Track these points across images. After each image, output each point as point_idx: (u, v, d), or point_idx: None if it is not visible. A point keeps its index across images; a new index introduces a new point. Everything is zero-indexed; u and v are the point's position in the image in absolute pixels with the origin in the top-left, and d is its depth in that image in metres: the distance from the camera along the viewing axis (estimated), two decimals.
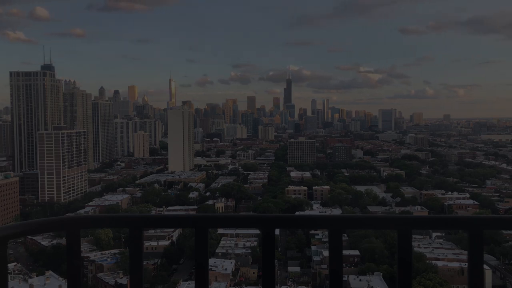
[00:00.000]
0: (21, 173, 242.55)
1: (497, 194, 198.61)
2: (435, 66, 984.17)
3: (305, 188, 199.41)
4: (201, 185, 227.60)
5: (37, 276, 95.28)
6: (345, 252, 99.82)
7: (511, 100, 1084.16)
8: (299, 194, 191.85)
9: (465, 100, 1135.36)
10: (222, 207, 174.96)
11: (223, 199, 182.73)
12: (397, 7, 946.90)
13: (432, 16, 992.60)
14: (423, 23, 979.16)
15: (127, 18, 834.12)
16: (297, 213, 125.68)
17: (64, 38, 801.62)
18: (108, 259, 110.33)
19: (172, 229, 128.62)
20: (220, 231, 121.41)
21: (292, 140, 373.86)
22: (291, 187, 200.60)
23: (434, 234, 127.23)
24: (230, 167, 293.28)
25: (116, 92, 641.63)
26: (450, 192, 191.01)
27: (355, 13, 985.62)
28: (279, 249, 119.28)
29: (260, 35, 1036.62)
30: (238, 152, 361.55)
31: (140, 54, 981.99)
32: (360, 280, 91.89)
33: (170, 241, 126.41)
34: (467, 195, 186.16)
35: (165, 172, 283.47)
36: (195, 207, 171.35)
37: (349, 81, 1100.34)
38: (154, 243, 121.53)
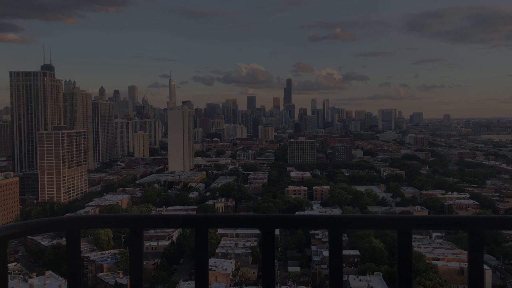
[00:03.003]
0: (21, 173, 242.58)
1: (497, 194, 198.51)
2: (386, 67, 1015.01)
3: (305, 188, 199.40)
4: (201, 185, 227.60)
5: (37, 276, 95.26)
6: (345, 252, 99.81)
7: (485, 101, 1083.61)
8: (299, 194, 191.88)
9: (442, 101, 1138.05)
10: (222, 207, 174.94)
11: (223, 199, 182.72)
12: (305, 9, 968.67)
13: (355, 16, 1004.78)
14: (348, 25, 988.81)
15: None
16: (297, 213, 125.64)
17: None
18: (108, 259, 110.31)
19: (172, 229, 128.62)
20: (220, 231, 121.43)
21: (292, 140, 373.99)
22: (291, 187, 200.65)
23: (434, 234, 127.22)
24: (230, 167, 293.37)
25: (116, 92, 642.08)
26: (450, 192, 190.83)
27: (268, 13, 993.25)
28: (279, 249, 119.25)
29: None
30: (238, 152, 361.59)
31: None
32: (360, 280, 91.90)
33: (170, 241, 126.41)
34: (467, 195, 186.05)
35: (165, 172, 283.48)
36: (195, 207, 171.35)
37: (313, 83, 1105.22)
38: (154, 243, 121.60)
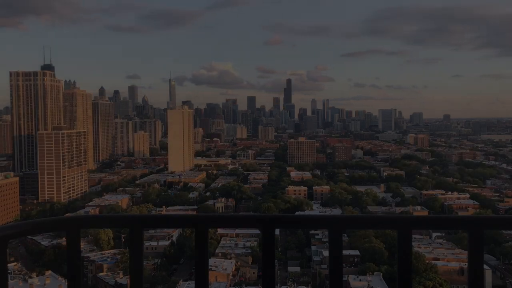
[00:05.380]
0: (21, 173, 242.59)
1: (497, 194, 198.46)
2: (346, 68, 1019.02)
3: (305, 188, 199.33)
4: (201, 185, 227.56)
5: (37, 276, 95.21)
6: (345, 252, 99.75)
7: (463, 101, 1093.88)
8: (299, 194, 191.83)
9: (427, 101, 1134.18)
10: (222, 207, 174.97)
11: (223, 199, 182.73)
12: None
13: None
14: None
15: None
16: (297, 213, 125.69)
17: None
18: (108, 259, 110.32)
19: (172, 229, 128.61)
20: (220, 231, 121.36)
21: (292, 140, 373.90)
22: (291, 187, 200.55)
23: (434, 234, 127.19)
24: (230, 167, 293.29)
25: (116, 92, 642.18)
26: (450, 192, 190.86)
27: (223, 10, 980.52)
28: (279, 249, 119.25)
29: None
30: (238, 152, 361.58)
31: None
32: (360, 280, 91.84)
33: (170, 241, 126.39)
34: (467, 195, 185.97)
35: (165, 172, 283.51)
36: (195, 207, 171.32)
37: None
38: (154, 243, 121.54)
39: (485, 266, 73.75)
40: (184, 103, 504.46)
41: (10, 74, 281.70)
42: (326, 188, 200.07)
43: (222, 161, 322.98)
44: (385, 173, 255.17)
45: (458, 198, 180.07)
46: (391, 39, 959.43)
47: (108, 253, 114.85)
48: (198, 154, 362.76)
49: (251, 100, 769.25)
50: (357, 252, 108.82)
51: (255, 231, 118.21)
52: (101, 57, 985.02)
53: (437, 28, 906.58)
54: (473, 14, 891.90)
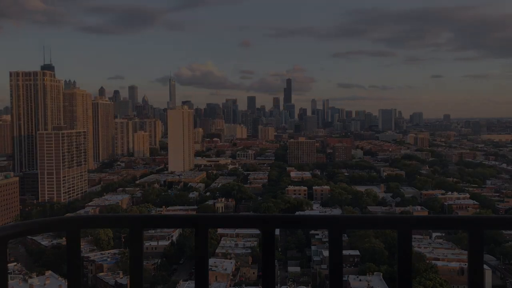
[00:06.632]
0: (21, 173, 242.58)
1: (497, 194, 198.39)
2: (325, 69, 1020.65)
3: (305, 188, 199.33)
4: (201, 185, 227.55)
5: (37, 276, 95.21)
6: (345, 252, 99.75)
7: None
8: (299, 194, 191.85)
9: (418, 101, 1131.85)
10: (222, 207, 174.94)
11: (223, 199, 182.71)
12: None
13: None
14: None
15: None
16: (297, 213, 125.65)
17: None
18: (108, 259, 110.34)
19: (172, 229, 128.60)
20: (220, 231, 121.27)
21: (292, 140, 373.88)
22: (291, 187, 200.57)
23: (434, 234, 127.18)
24: (230, 167, 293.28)
25: (116, 92, 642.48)
26: (450, 192, 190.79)
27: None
28: (279, 249, 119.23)
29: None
30: (238, 152, 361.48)
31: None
32: (360, 280, 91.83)
33: (170, 241, 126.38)
34: (467, 195, 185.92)
35: (165, 172, 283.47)
36: (195, 207, 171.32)
37: (277, 83, 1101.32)
38: (154, 243, 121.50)
39: (485, 266, 73.73)
40: (184, 103, 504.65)
41: (10, 74, 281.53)
42: (326, 188, 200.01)
43: (222, 161, 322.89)
44: (385, 173, 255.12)
45: (458, 198, 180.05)
46: (368, 41, 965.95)
47: (108, 253, 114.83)
48: (198, 154, 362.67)
49: (251, 100, 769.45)
50: (357, 252, 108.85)
51: (255, 231, 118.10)
52: (79, 59, 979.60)
53: (414, 29, 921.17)
54: (448, 16, 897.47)
